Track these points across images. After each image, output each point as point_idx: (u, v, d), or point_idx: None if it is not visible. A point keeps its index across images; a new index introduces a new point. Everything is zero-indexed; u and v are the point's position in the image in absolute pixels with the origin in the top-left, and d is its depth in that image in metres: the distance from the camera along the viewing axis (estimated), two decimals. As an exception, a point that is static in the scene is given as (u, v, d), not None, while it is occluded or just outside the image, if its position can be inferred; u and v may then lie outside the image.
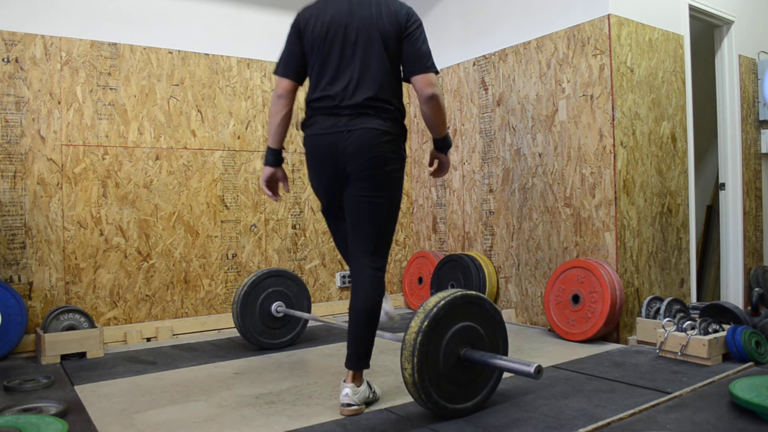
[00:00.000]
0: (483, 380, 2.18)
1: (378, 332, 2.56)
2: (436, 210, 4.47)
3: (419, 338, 1.99)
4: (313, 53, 2.22)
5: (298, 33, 2.25)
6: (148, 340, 3.53)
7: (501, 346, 2.24)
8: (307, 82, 2.31)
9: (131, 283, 3.54)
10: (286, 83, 2.27)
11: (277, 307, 3.25)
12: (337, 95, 2.16)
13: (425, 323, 2.01)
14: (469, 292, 2.15)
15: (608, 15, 3.25)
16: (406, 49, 2.18)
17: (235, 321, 3.19)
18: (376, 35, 2.16)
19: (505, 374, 2.32)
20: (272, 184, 2.41)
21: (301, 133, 2.31)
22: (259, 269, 3.94)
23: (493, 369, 2.17)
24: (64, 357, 2.98)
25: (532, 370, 1.93)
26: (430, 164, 2.48)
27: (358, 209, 2.20)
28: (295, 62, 2.27)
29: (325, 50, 2.18)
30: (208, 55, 3.82)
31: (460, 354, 2.09)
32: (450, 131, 4.34)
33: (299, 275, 3.98)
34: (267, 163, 2.37)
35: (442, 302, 2.06)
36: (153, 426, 2.08)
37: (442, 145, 2.39)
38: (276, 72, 2.30)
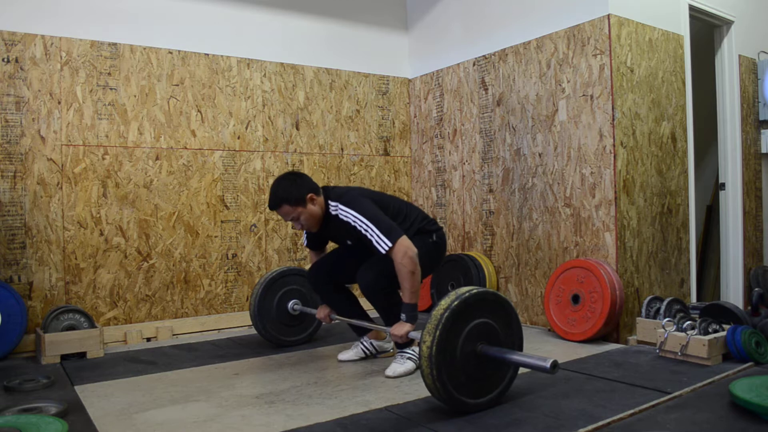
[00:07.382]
0: (496, 379, 2.21)
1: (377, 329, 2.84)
2: (435, 210, 4.47)
3: (446, 314, 2.06)
4: None
5: None
6: (148, 340, 3.53)
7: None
8: None
9: (131, 283, 3.54)
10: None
11: (294, 305, 3.29)
12: None
13: (455, 302, 2.09)
14: (498, 293, 2.27)
15: (608, 15, 3.25)
16: None
17: (252, 313, 3.22)
18: None
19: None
20: None
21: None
22: (259, 269, 3.95)
23: (507, 367, 2.22)
24: (64, 357, 2.98)
25: (548, 365, 1.99)
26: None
27: None
28: None
29: None
30: (208, 55, 3.82)
31: (477, 349, 2.14)
32: (450, 131, 4.34)
33: (299, 275, 3.98)
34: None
35: (475, 290, 2.17)
36: (153, 426, 2.09)
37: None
38: None
